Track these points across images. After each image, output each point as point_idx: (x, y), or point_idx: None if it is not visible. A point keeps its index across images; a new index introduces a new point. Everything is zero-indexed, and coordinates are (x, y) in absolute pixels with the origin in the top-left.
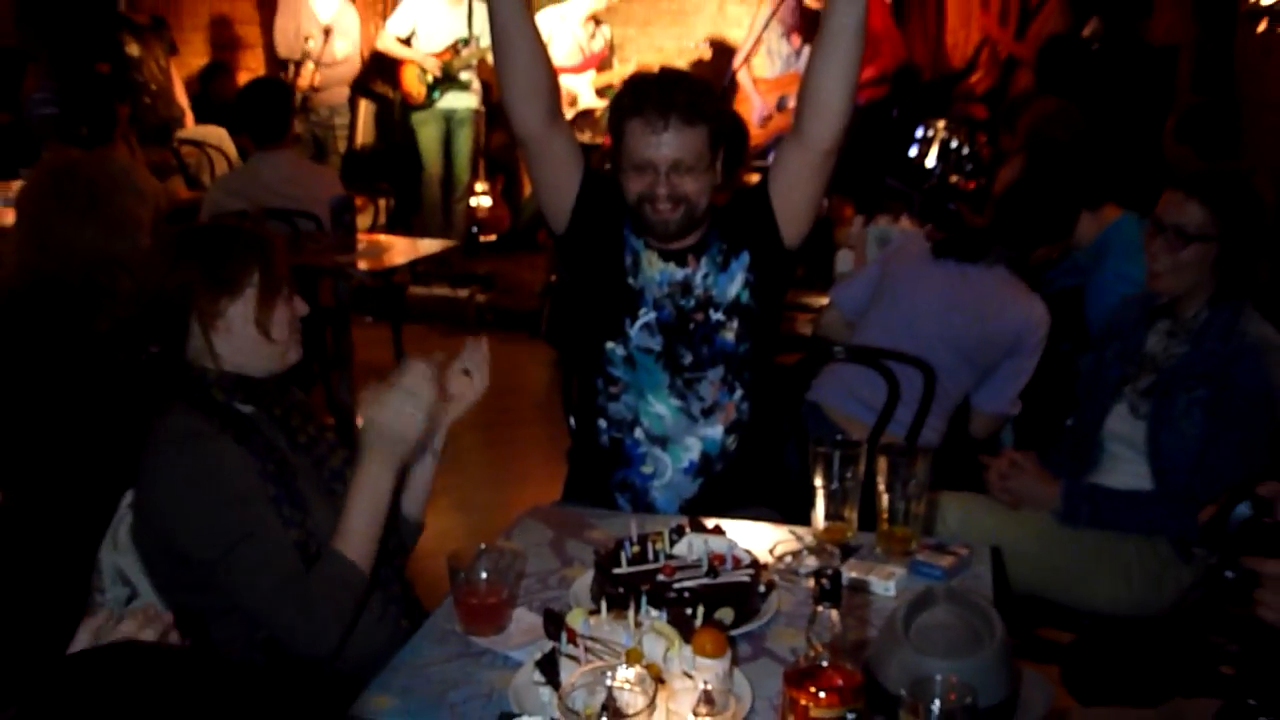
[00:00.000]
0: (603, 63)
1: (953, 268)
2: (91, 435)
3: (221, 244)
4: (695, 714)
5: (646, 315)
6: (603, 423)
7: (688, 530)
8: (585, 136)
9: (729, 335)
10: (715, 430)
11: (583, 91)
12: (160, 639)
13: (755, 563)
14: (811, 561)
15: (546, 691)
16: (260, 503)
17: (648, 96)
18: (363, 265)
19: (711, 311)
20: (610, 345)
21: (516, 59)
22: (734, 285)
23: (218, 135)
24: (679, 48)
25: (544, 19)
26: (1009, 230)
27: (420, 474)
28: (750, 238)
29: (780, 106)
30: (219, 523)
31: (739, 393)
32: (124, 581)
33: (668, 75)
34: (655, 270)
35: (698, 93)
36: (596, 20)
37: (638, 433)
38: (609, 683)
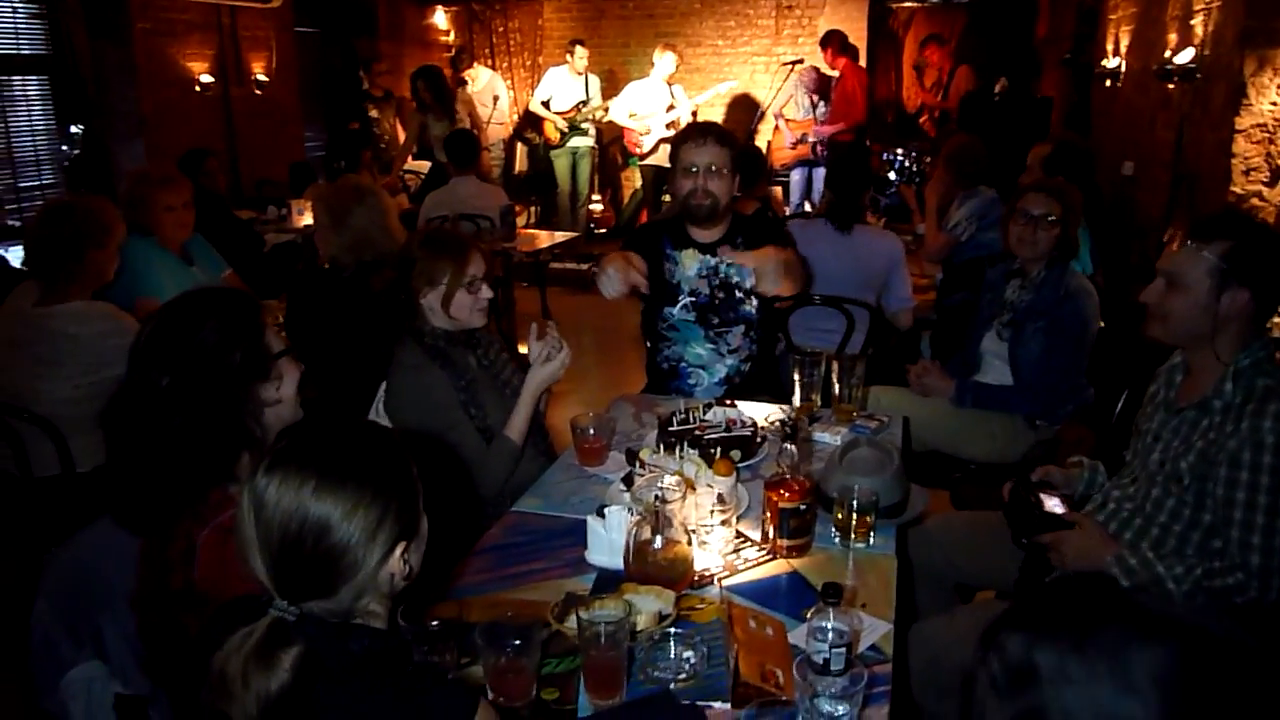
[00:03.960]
0: (670, 108)
1: (838, 236)
2: (362, 353)
3: (435, 249)
4: (713, 509)
5: (684, 299)
6: (661, 355)
7: (715, 405)
8: (660, 158)
9: (749, 307)
10: (736, 360)
11: (656, 127)
12: None
13: (755, 424)
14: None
15: (627, 496)
16: (456, 408)
17: (695, 129)
18: (521, 249)
19: (735, 292)
20: (662, 318)
21: None
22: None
23: (427, 167)
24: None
25: (636, 85)
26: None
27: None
28: None
29: (801, 140)
30: (432, 421)
31: (752, 339)
32: None
33: (706, 122)
34: (693, 264)
35: (726, 131)
36: (669, 83)
37: (684, 363)
38: (660, 484)
